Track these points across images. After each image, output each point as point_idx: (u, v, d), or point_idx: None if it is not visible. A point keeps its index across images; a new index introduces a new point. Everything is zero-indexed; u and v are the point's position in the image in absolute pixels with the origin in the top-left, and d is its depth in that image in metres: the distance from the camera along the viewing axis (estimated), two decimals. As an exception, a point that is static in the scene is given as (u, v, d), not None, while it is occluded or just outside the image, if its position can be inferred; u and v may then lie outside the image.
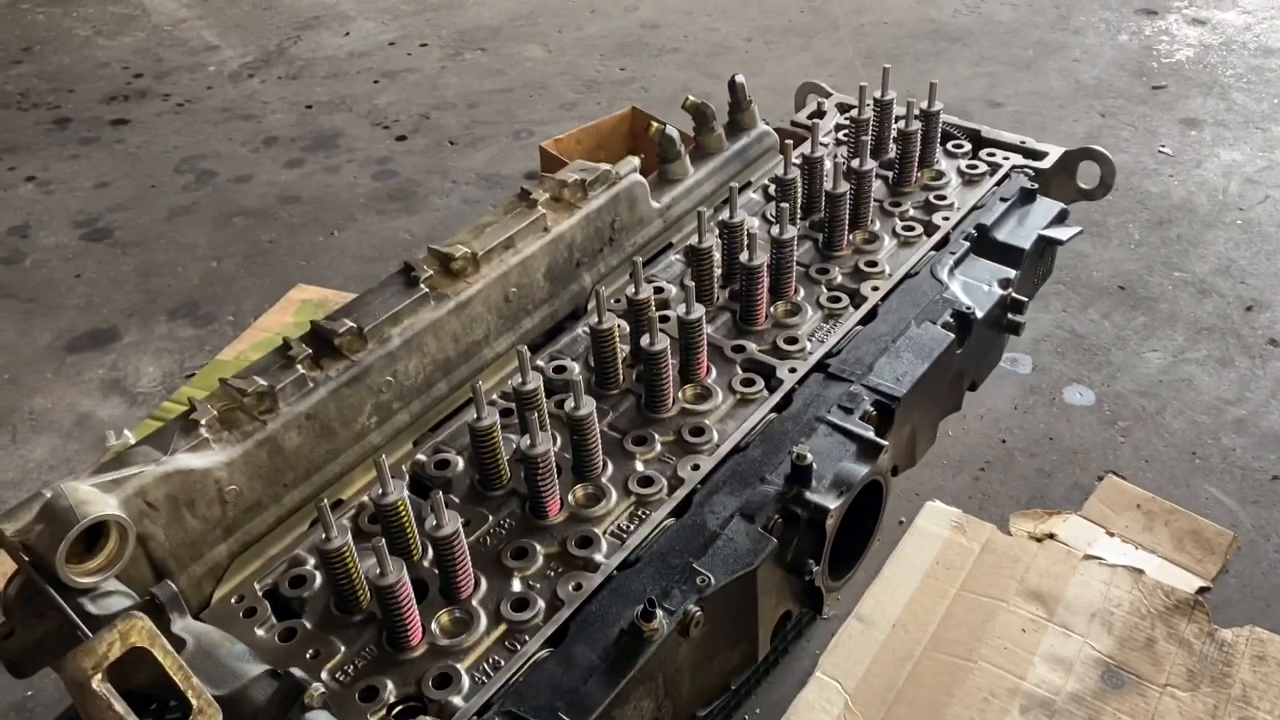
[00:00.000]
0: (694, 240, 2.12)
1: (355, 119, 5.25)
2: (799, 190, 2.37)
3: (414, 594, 1.54)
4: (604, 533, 1.72)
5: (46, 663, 1.45)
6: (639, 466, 1.83)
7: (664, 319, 2.10)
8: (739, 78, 2.57)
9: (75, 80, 5.91)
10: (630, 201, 2.27)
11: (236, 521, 1.70)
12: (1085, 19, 5.86)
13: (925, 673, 2.38)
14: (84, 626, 1.39)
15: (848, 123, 2.71)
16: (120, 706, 1.22)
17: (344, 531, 1.56)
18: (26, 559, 1.41)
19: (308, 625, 1.61)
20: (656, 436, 1.88)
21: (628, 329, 2.05)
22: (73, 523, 1.40)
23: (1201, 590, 2.56)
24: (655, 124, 2.41)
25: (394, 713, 1.48)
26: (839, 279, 2.24)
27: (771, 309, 2.15)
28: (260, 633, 1.60)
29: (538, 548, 1.69)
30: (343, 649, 1.56)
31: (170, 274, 4.11)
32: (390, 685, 1.50)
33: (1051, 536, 2.70)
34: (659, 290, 2.20)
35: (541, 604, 1.60)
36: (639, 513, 1.75)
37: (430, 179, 4.68)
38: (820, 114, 2.86)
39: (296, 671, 1.35)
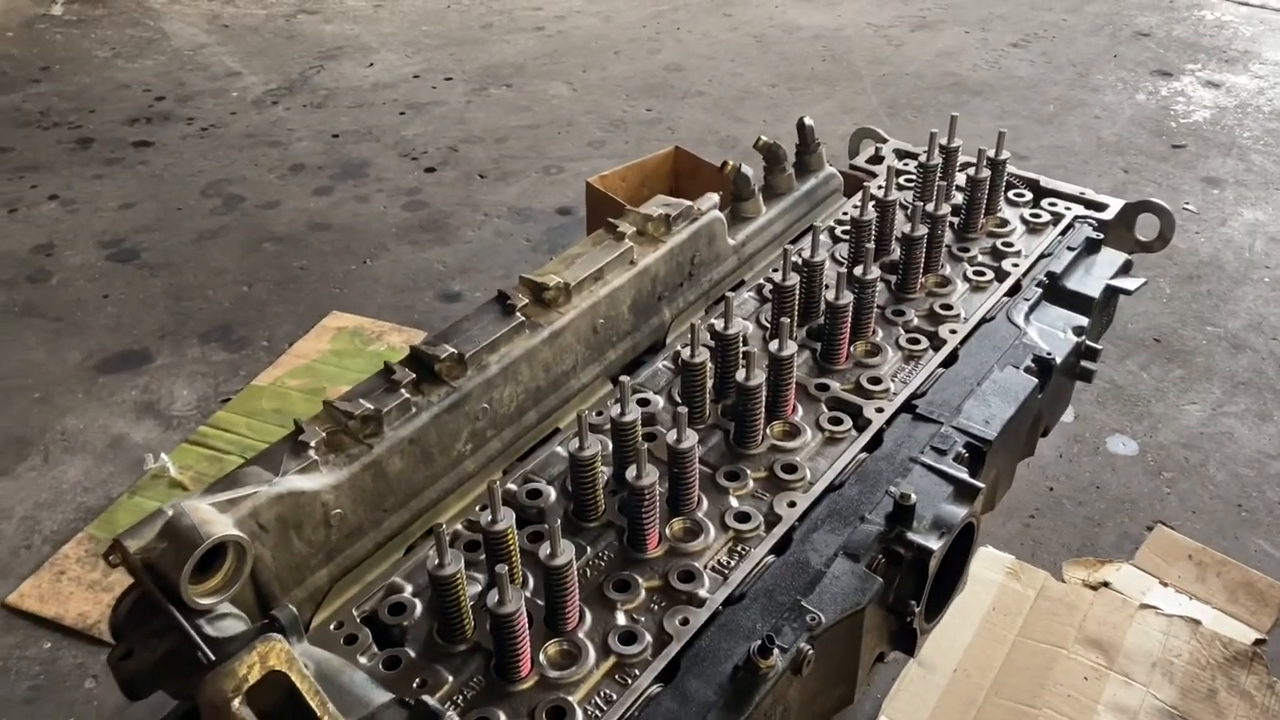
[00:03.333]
0: (776, 277, 2.13)
1: (383, 149, 5.26)
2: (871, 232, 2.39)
3: (525, 624, 1.52)
4: (705, 567, 1.70)
5: (162, 686, 1.41)
6: (734, 502, 1.82)
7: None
8: (808, 120, 2.60)
9: (96, 101, 5.90)
10: (710, 237, 2.29)
11: (338, 546, 1.68)
12: (1103, 78, 5.98)
13: (990, 719, 2.37)
14: (206, 649, 1.36)
15: (909, 168, 2.75)
16: (260, 730, 1.19)
17: (457, 559, 1.53)
18: (149, 578, 1.38)
19: (411, 654, 1.58)
20: (748, 472, 1.88)
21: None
22: (198, 542, 1.38)
23: (1258, 642, 2.56)
24: (730, 163, 2.43)
25: (509, 745, 1.45)
26: (915, 321, 2.25)
27: (851, 348, 2.16)
28: (363, 660, 1.57)
29: (639, 581, 1.68)
30: (450, 679, 1.53)
31: (201, 297, 4.08)
32: (503, 717, 1.48)
33: (1105, 585, 2.71)
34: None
35: (649, 638, 1.58)
36: (738, 548, 1.74)
37: (461, 211, 4.69)
38: (878, 159, 2.90)
39: (429, 700, 1.32)
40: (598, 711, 1.49)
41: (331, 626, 1.64)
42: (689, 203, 2.24)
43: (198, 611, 1.41)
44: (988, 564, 2.75)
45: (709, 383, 2.01)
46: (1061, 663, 2.49)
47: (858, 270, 2.14)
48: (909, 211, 2.34)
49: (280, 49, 6.58)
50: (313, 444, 1.64)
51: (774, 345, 1.94)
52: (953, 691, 2.43)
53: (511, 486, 1.86)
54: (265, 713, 1.30)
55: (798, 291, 2.19)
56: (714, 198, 2.31)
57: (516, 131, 5.42)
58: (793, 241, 2.54)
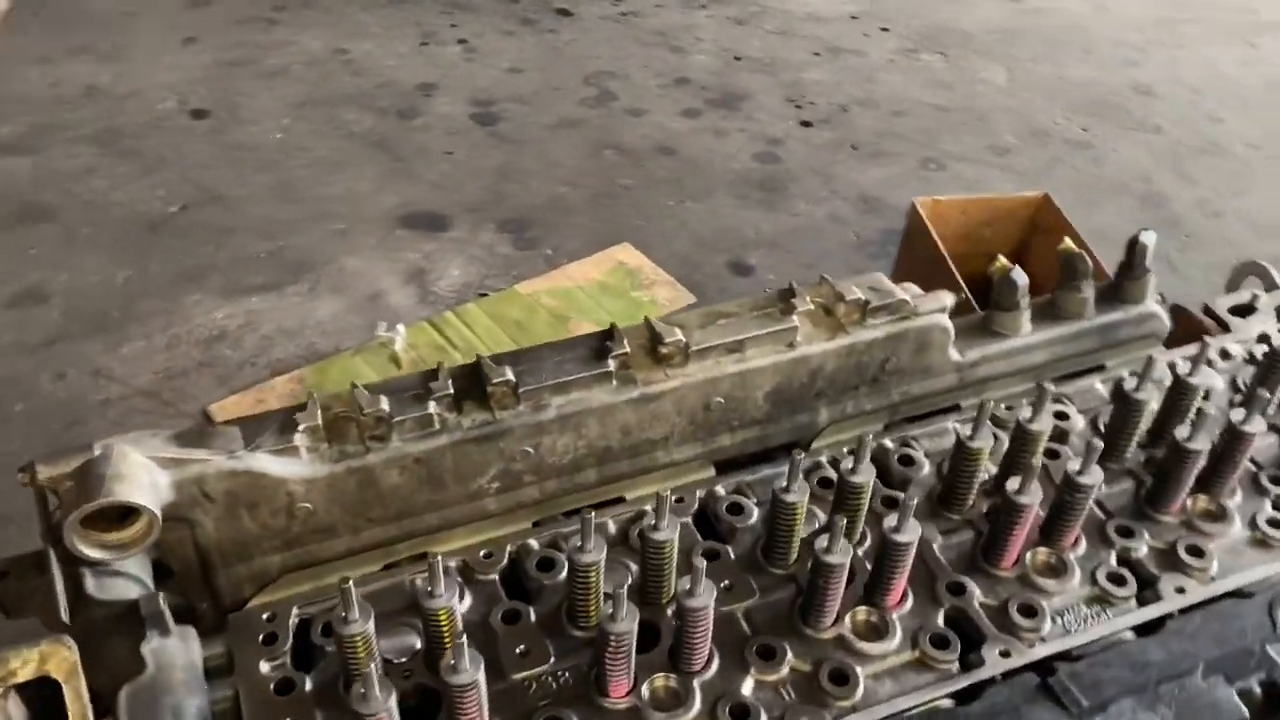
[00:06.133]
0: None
1: (772, 87, 4.96)
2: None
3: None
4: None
5: (18, 618, 1.35)
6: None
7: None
8: (1145, 237, 1.96)
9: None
10: (920, 346, 1.80)
11: (300, 539, 1.53)
12: None
13: None
14: (63, 605, 1.27)
15: None
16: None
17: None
18: (49, 509, 1.30)
19: (308, 687, 1.41)
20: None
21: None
22: (95, 496, 1.28)
23: None
24: (1001, 260, 1.90)
25: None
26: (1137, 551, 1.65)
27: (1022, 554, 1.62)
28: (265, 668, 1.43)
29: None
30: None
31: (522, 184, 4.11)
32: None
33: None
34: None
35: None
36: None
37: (809, 179, 4.31)
38: (1250, 309, 2.16)
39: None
40: None
41: (264, 616, 1.51)
42: (905, 297, 1.77)
43: (86, 560, 1.32)
44: None
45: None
46: None
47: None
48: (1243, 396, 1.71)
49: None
50: (302, 427, 1.47)
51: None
52: None
53: (531, 543, 1.61)
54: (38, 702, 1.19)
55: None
56: (945, 299, 1.81)
57: (920, 108, 4.87)
58: (1058, 380, 1.97)
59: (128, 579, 1.35)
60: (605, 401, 1.61)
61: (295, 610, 1.51)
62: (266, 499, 1.46)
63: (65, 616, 1.29)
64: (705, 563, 1.34)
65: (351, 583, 1.29)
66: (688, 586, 1.32)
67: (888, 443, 1.78)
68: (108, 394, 3.03)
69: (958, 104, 4.96)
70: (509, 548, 1.58)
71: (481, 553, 1.56)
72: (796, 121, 4.70)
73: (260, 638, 1.47)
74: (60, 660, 1.12)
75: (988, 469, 1.66)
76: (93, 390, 3.05)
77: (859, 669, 1.41)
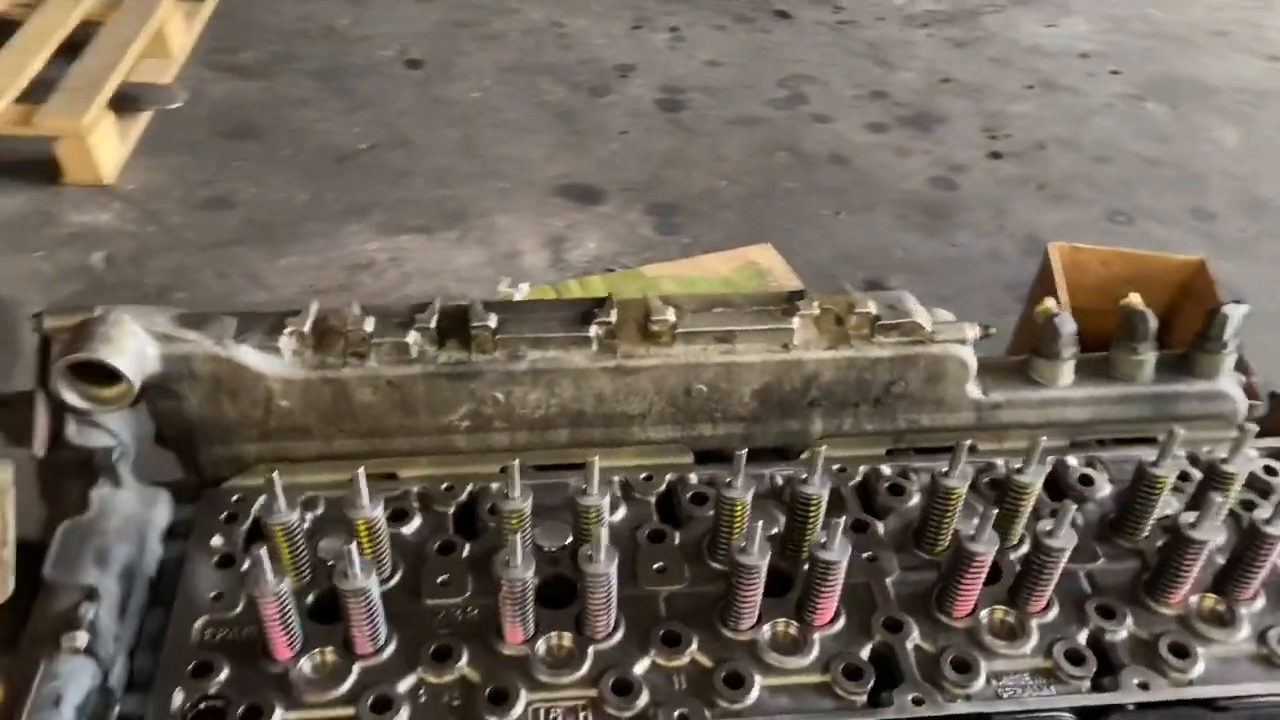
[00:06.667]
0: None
1: (972, 114, 4.75)
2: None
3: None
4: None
5: (10, 446, 1.53)
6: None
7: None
8: (1230, 309, 1.78)
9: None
10: (933, 375, 1.72)
11: (276, 433, 1.65)
12: None
13: None
14: (40, 441, 1.44)
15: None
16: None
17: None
18: (47, 355, 1.47)
19: (243, 566, 1.52)
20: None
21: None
22: (79, 350, 1.43)
23: None
24: (1052, 301, 1.78)
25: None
26: (1116, 635, 1.51)
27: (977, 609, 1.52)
28: (217, 541, 1.55)
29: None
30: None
31: (683, 172, 4.15)
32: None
33: None
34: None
35: None
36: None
37: (980, 212, 4.11)
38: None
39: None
40: None
41: (233, 497, 1.64)
42: (922, 323, 1.69)
43: (68, 406, 1.48)
44: None
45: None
46: None
47: (1046, 526, 1.46)
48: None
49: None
50: (289, 330, 1.59)
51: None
52: None
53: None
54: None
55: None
56: (970, 331, 1.71)
57: (1126, 158, 4.53)
58: (1101, 444, 1.83)
59: (104, 432, 1.51)
60: (581, 365, 1.64)
61: (262, 499, 1.63)
62: (246, 390, 1.59)
63: (39, 451, 1.45)
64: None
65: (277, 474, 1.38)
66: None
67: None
68: (255, 297, 3.33)
69: (1172, 159, 4.58)
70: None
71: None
72: (986, 152, 4.49)
73: (223, 515, 1.61)
74: (-2, 476, 1.27)
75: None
76: (245, 291, 3.36)
77: (983, 662, 1.42)
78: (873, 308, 1.68)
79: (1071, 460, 1.76)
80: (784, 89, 4.81)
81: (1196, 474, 1.70)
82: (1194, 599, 1.55)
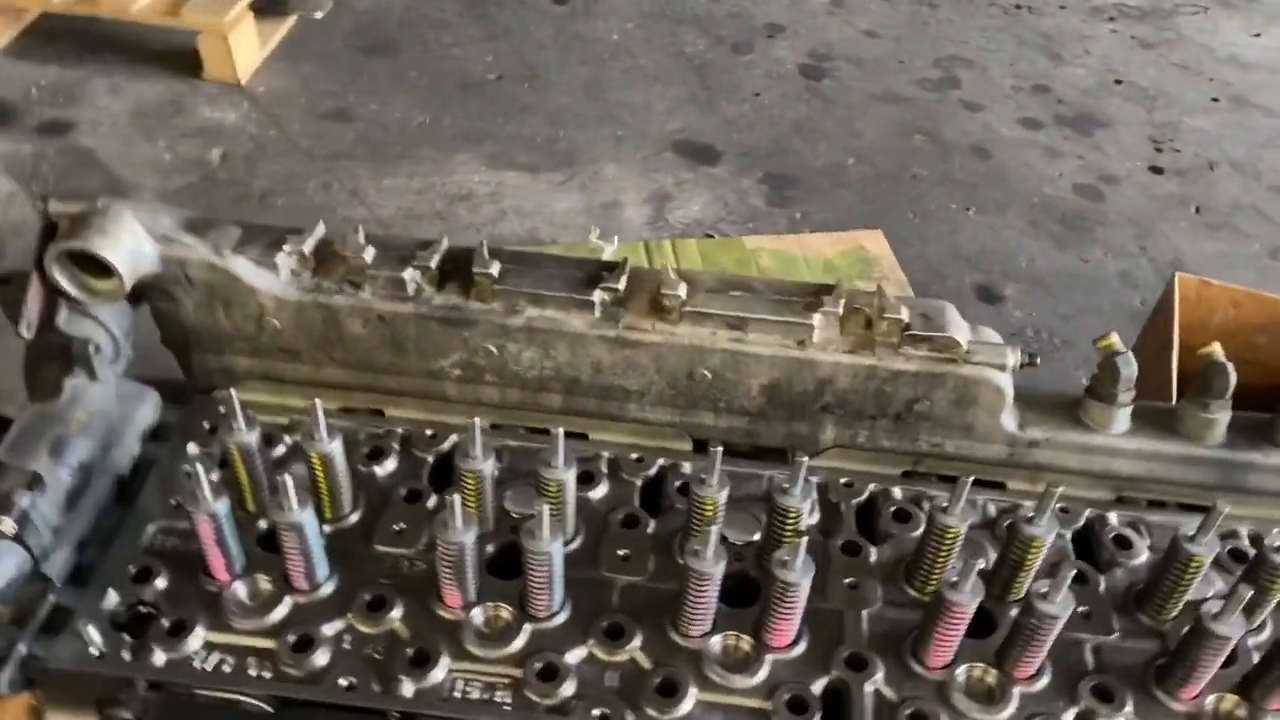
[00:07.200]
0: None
1: (1141, 122, 4.36)
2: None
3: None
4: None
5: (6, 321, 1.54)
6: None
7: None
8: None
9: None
10: (962, 398, 1.55)
11: (266, 351, 1.62)
12: None
13: None
14: (29, 323, 1.45)
15: None
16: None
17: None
18: (47, 239, 1.47)
19: (213, 475, 1.51)
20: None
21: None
22: (75, 239, 1.43)
23: None
24: (1214, 349, 1.57)
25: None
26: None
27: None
28: (193, 449, 1.53)
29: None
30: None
31: (811, 144, 3.96)
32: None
33: None
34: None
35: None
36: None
37: (1123, 230, 3.77)
38: None
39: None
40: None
41: (219, 408, 1.62)
42: (959, 339, 1.52)
43: (60, 291, 1.48)
44: None
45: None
46: None
47: (1042, 587, 1.29)
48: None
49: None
50: (288, 249, 1.55)
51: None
52: None
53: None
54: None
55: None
56: (1011, 355, 1.54)
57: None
58: (1152, 505, 1.63)
59: (95, 324, 1.51)
60: (578, 330, 1.55)
61: (239, 415, 1.60)
62: (239, 303, 1.56)
63: (27, 332, 1.46)
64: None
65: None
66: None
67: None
68: (353, 213, 3.36)
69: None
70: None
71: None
72: (1146, 165, 4.11)
73: (205, 423, 1.60)
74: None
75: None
76: (344, 205, 3.40)
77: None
78: (904, 315, 1.52)
79: (1111, 518, 1.58)
80: (938, 69, 4.52)
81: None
82: (1212, 698, 1.36)
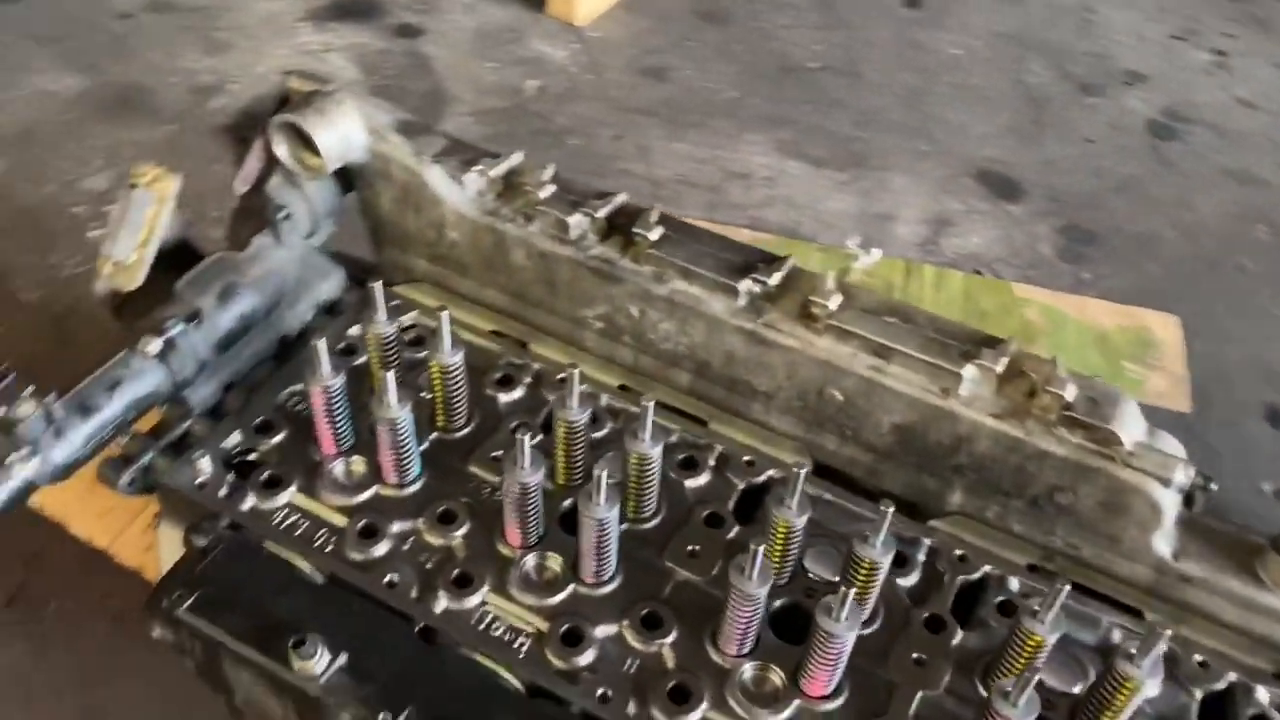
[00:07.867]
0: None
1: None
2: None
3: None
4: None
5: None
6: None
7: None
8: None
9: None
10: (1111, 503, 1.36)
11: (442, 259, 1.70)
12: None
13: None
14: (246, 179, 1.61)
15: None
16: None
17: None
18: (278, 109, 1.62)
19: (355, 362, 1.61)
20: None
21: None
22: (294, 114, 1.56)
23: None
24: None
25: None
26: None
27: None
28: (354, 330, 1.65)
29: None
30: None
31: (1133, 205, 3.56)
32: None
33: None
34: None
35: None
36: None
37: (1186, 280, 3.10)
38: None
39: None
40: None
41: (394, 302, 1.72)
42: (1122, 435, 1.33)
43: (278, 162, 1.62)
44: None
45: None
46: None
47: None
48: None
49: None
50: (480, 169, 1.61)
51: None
52: None
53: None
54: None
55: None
56: (1181, 471, 1.32)
57: None
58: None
59: (298, 195, 1.64)
60: (717, 314, 1.51)
61: (415, 314, 1.70)
62: (426, 209, 1.65)
63: (240, 187, 1.62)
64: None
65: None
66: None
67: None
68: (632, 167, 3.44)
69: None
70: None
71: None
72: None
73: (379, 313, 1.71)
74: (165, 184, 1.44)
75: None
76: (629, 159, 3.49)
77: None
78: (1070, 393, 1.35)
79: (1261, 694, 1.32)
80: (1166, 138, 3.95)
81: None
82: None
